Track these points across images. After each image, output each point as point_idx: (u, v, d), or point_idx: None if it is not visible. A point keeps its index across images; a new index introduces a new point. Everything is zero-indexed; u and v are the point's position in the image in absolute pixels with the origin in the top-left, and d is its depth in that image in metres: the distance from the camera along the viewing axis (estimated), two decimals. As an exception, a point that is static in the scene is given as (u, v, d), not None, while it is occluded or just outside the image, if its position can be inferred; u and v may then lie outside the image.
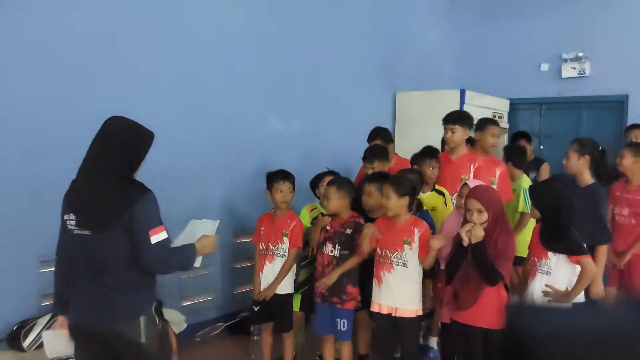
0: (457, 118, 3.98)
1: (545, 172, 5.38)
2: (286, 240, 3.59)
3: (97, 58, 3.64)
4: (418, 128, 5.38)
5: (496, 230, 2.92)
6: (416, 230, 3.18)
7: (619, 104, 6.54)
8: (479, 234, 2.85)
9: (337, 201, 3.39)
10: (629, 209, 4.09)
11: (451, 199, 3.85)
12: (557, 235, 2.96)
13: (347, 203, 3.44)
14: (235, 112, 4.61)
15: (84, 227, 2.22)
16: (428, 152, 3.97)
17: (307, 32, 5.27)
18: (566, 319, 0.88)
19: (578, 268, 2.95)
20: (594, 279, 3.13)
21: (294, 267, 3.69)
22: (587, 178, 3.68)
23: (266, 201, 3.76)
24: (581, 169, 3.67)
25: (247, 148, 4.71)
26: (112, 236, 2.18)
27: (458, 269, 2.97)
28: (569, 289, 2.94)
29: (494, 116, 6.47)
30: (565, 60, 6.79)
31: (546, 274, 2.99)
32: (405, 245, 3.17)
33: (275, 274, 3.59)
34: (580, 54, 6.67)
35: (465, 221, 2.96)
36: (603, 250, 3.52)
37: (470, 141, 4.30)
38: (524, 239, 3.76)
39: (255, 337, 3.77)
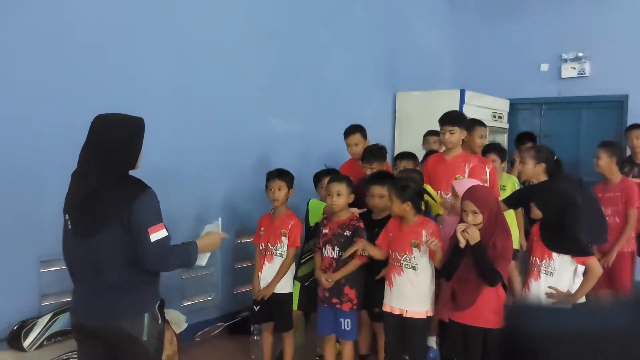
0: (456, 119, 3.96)
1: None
2: (285, 240, 3.60)
3: (97, 58, 3.63)
4: (418, 128, 5.37)
5: (494, 231, 2.91)
6: (424, 232, 3.14)
7: (619, 104, 6.54)
8: (474, 235, 2.84)
9: (347, 198, 3.41)
10: (611, 207, 4.20)
11: (447, 199, 3.86)
12: (561, 236, 2.94)
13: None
14: (236, 112, 4.61)
15: (78, 234, 2.21)
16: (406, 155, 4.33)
17: (308, 32, 5.28)
18: (566, 319, 0.89)
19: (579, 269, 2.95)
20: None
21: (293, 266, 3.70)
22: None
23: (267, 201, 3.76)
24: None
25: (248, 148, 4.71)
26: (112, 235, 2.16)
27: (456, 270, 2.96)
28: (570, 290, 2.93)
29: (494, 116, 6.48)
30: (565, 61, 6.79)
31: (550, 274, 2.97)
32: (413, 248, 3.14)
33: (274, 274, 3.60)
34: (580, 54, 6.67)
35: (462, 222, 2.96)
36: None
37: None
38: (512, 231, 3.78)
39: (256, 337, 3.77)
